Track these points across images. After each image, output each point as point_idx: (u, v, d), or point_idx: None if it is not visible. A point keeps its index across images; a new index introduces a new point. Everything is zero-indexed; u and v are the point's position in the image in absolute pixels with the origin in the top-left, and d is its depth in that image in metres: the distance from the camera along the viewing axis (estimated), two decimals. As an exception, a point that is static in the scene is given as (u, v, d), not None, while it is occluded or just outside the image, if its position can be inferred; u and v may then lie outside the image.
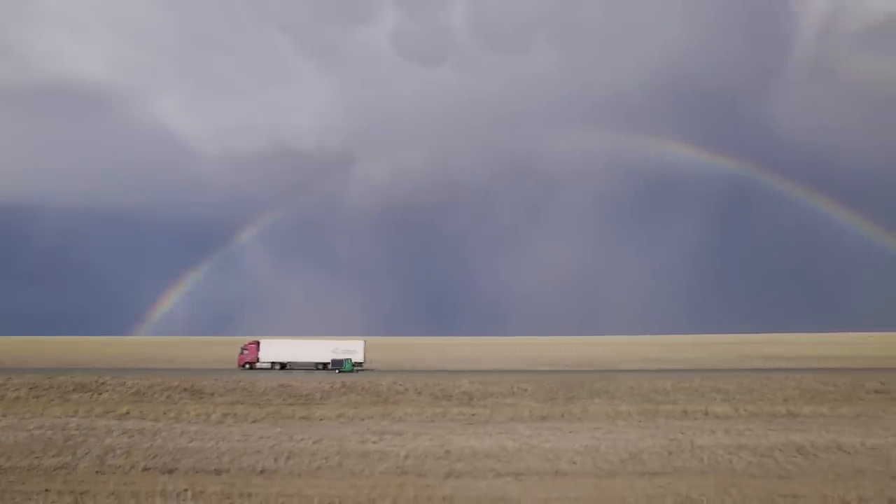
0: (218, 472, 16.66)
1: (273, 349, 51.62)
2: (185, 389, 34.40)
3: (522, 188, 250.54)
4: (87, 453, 18.92)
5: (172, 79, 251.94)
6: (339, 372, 47.91)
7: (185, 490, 14.76)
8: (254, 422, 24.98)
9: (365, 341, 52.68)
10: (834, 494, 14.10)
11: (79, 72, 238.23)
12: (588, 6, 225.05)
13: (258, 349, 51.48)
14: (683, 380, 36.90)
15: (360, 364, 50.98)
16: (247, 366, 51.06)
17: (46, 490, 14.91)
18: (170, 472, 16.76)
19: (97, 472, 16.97)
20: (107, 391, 33.81)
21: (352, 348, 51.68)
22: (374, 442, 19.95)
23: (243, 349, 52.24)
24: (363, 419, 25.72)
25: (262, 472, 16.62)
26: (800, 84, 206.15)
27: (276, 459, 17.76)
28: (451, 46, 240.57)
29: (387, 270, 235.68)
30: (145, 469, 17.07)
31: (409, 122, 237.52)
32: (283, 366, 50.91)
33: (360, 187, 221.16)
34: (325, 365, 50.41)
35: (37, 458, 18.31)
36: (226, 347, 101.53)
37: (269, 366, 50.84)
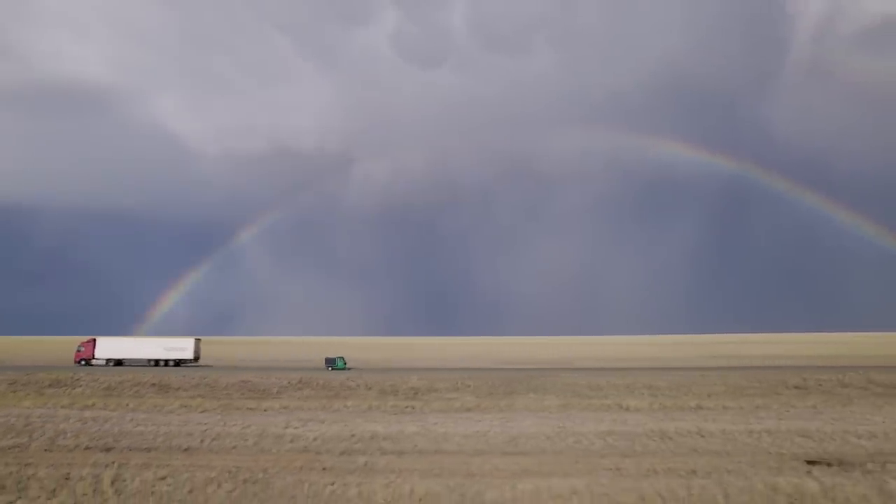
0: (148, 450, 19.22)
1: (108, 347, 55.31)
2: (153, 384, 37.02)
3: (521, 188, 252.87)
4: (41, 436, 21.50)
5: (172, 79, 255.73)
6: (332, 370, 51.20)
7: (113, 462, 17.31)
8: (203, 412, 27.56)
9: (198, 339, 57.14)
10: (663, 466, 16.51)
11: (79, 72, 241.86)
12: (586, 9, 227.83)
13: (94, 347, 55.05)
14: (624, 377, 39.32)
15: (193, 360, 55.78)
16: (82, 362, 54.70)
17: (-3, 463, 17.49)
18: (107, 450, 19.30)
19: (45, 450, 19.53)
20: (80, 386, 36.45)
21: (182, 346, 56.28)
22: (294, 427, 22.50)
23: (80, 347, 55.83)
24: (302, 410, 28.28)
25: (186, 449, 19.16)
26: (795, 86, 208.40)
27: (202, 441, 20.32)
28: (450, 48, 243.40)
29: (386, 270, 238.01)
30: (87, 448, 19.62)
31: (408, 122, 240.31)
32: (118, 362, 54.54)
33: (360, 188, 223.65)
34: (157, 361, 54.66)
35: (-4, 439, 20.94)
36: (226, 347, 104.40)
37: (104, 362, 54.46)
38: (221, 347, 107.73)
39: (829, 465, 16.16)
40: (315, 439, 20.24)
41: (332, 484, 14.44)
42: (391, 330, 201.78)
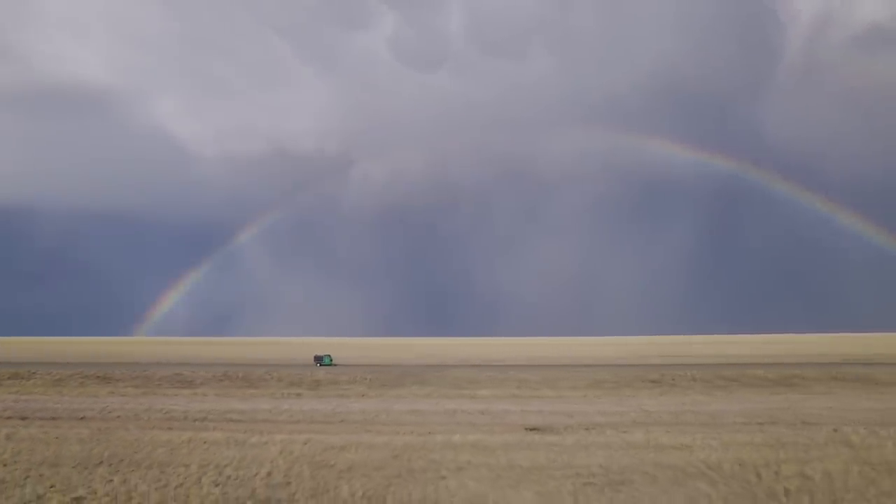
0: (53, 418, 24.94)
1: None
2: (98, 377, 42.85)
3: (519, 190, 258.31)
4: (-23, 411, 27.33)
5: (172, 82, 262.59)
6: (320, 366, 58.50)
7: (18, 423, 23.06)
8: (122, 395, 33.37)
9: None
10: (443, 430, 22.12)
11: (79, 74, 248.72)
12: (582, 13, 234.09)
13: None
14: (504, 372, 45.05)
15: None
16: None
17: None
18: (22, 418, 25.03)
19: (-25, 420, 25.33)
20: (34, 379, 42.29)
21: None
22: (180, 406, 28.30)
23: None
24: (207, 395, 34.04)
25: (82, 418, 24.89)
26: (788, 90, 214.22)
27: (98, 413, 26.08)
28: (448, 51, 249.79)
29: (385, 271, 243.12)
30: (8, 417, 25.34)
31: (407, 124, 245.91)
32: None
33: (359, 189, 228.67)
34: None
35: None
36: (225, 347, 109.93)
37: None
38: (221, 348, 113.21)
39: (541, 430, 21.80)
40: (186, 413, 26.01)
41: (165, 437, 20.16)
42: (391, 330, 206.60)
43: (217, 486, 13.74)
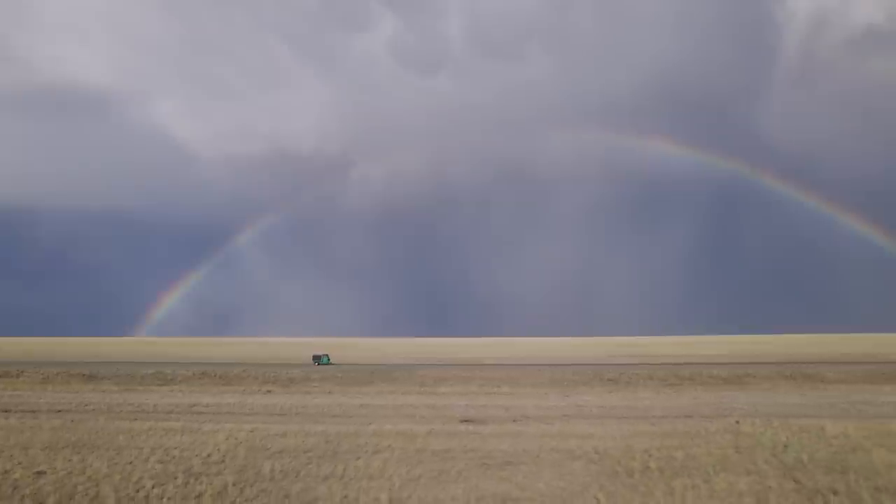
0: (33, 411, 27.14)
1: None
2: (83, 375, 45.05)
3: (518, 191, 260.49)
4: (-35, 404, 29.54)
5: (173, 84, 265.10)
6: (318, 365, 61.49)
7: (2, 414, 25.26)
8: (102, 392, 35.57)
9: None
10: (368, 424, 24.29)
11: (80, 76, 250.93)
12: (580, 15, 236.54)
13: None
14: (473, 371, 47.25)
15: None
16: None
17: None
18: (4, 411, 27.22)
19: (-38, 412, 27.52)
20: (23, 377, 44.50)
21: None
22: (151, 400, 30.49)
23: None
24: (183, 392, 36.25)
25: (59, 411, 27.09)
26: (785, 91, 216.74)
27: (75, 406, 28.28)
28: (447, 54, 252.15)
29: (384, 272, 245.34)
30: (-9, 411, 27.59)
31: (406, 126, 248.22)
32: None
33: (359, 190, 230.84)
34: None
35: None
36: (224, 348, 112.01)
37: None
38: (219, 348, 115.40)
39: (473, 422, 24.00)
40: (156, 406, 28.22)
41: (129, 426, 22.36)
42: (390, 331, 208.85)
43: (160, 463, 15.93)
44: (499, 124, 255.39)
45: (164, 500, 12.67)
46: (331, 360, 64.41)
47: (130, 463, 15.95)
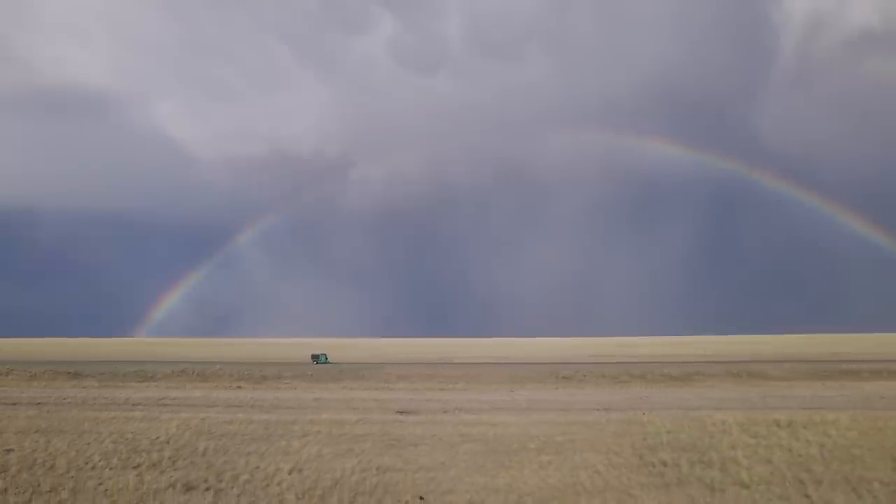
0: (14, 404, 29.79)
1: None
2: (69, 373, 47.72)
3: (517, 192, 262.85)
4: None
5: (173, 85, 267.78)
6: (317, 363, 64.59)
7: (-16, 408, 27.94)
8: (83, 388, 38.24)
9: None
10: (310, 412, 26.96)
11: (80, 77, 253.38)
12: (579, 17, 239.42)
13: None
14: (438, 369, 49.95)
15: None
16: None
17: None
18: (-12, 404, 29.95)
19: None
20: (12, 375, 47.16)
21: None
22: (125, 395, 33.17)
23: None
24: (159, 387, 38.92)
25: (38, 404, 29.76)
26: (781, 92, 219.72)
27: (53, 400, 30.96)
28: (446, 54, 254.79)
29: (384, 272, 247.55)
30: (-23, 403, 30.27)
31: (405, 127, 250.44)
32: None
33: (358, 191, 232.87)
34: None
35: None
36: (223, 348, 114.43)
37: None
38: (218, 349, 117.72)
39: (407, 412, 26.69)
40: (126, 399, 30.91)
41: (96, 415, 25.03)
42: (390, 331, 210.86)
43: (113, 443, 18.61)
44: (498, 125, 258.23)
45: (107, 469, 15.36)
46: (329, 360, 67.22)
47: (88, 443, 18.62)
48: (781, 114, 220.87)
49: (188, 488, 13.66)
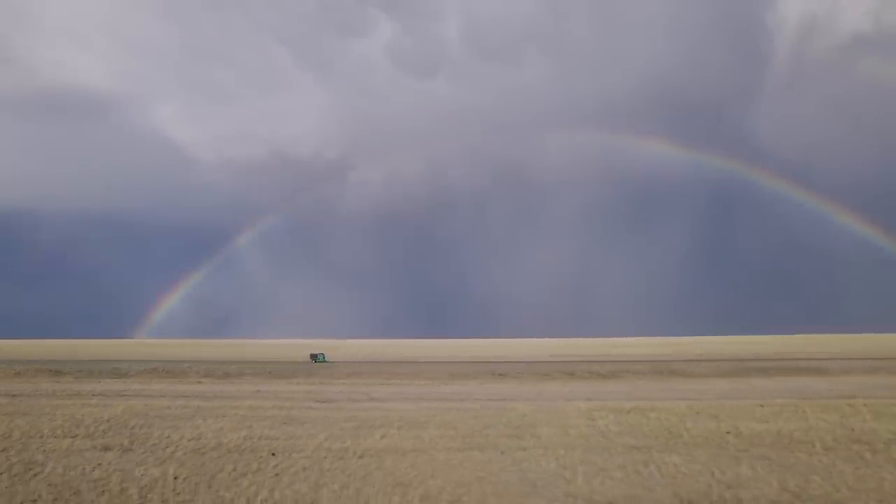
0: (-6, 395, 34.45)
1: None
2: (51, 371, 52.34)
3: (515, 194, 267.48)
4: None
5: (173, 88, 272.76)
6: (315, 362, 69.15)
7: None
8: (59, 383, 42.86)
9: None
10: (240, 400, 31.56)
11: (80, 80, 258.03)
12: (576, 20, 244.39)
13: None
14: (399, 367, 54.59)
15: None
16: None
17: None
18: (-28, 395, 34.55)
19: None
20: (-2, 371, 51.87)
21: None
22: (93, 388, 37.81)
23: None
24: (124, 381, 43.55)
25: (14, 395, 34.37)
26: (777, 94, 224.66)
27: (28, 393, 35.59)
28: (444, 58, 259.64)
29: (383, 274, 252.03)
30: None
31: (404, 130, 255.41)
32: None
33: (357, 193, 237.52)
34: None
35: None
36: (220, 349, 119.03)
37: None
38: (215, 349, 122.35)
39: (326, 401, 31.32)
40: (91, 391, 35.56)
41: (59, 402, 29.64)
42: (389, 332, 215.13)
43: (64, 421, 23.22)
44: (496, 127, 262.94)
45: (51, 438, 20.00)
46: (326, 359, 72.00)
47: (42, 422, 23.26)
48: (776, 116, 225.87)
49: (106, 449, 18.32)
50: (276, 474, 14.98)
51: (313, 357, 72.70)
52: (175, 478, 14.64)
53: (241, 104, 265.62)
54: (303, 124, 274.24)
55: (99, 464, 16.24)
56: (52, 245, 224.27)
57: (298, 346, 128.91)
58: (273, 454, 17.47)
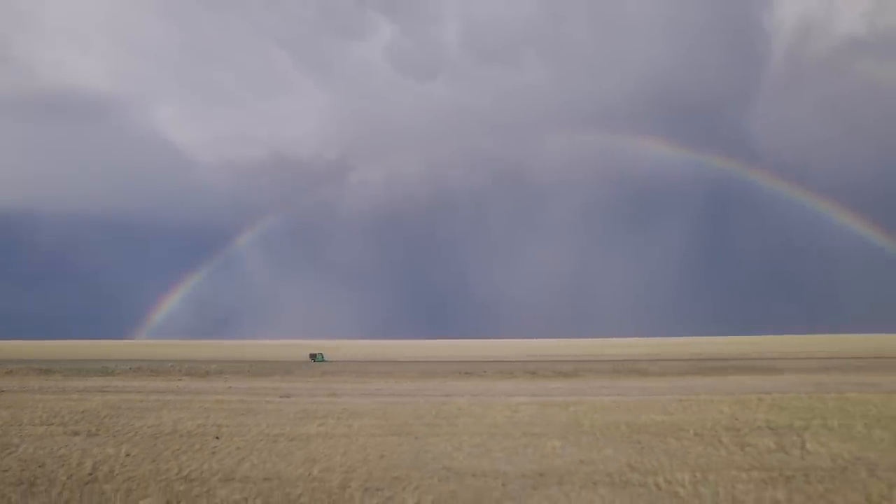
0: (-16, 391, 37.21)
1: None
2: (41, 370, 55.13)
3: (514, 195, 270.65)
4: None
5: (173, 90, 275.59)
6: (315, 361, 72.06)
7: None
8: (46, 380, 45.63)
9: None
10: (205, 396, 34.33)
11: (80, 81, 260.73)
12: (574, 23, 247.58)
13: None
14: (382, 365, 57.32)
15: None
16: None
17: None
18: (-36, 391, 37.30)
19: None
20: (-9, 369, 54.64)
21: None
22: (77, 385, 40.56)
23: None
24: (109, 379, 46.31)
25: (2, 391, 37.13)
26: (773, 96, 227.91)
27: (16, 389, 38.35)
28: (443, 60, 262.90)
29: (383, 275, 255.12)
30: (-45, 390, 37.65)
31: (403, 131, 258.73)
32: None
33: (357, 194, 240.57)
34: None
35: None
36: (220, 349, 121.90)
37: None
38: (214, 349, 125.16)
39: (288, 396, 34.07)
40: (75, 387, 38.33)
41: (41, 397, 32.38)
42: (389, 333, 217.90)
43: (43, 413, 25.99)
44: (495, 128, 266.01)
45: (28, 426, 22.77)
46: (325, 358, 75.03)
47: (24, 413, 26.04)
48: (773, 116, 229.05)
49: (75, 434, 21.10)
50: (213, 453, 17.74)
51: (312, 357, 75.70)
52: (126, 455, 17.42)
53: (242, 106, 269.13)
54: (303, 126, 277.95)
55: (66, 445, 19.02)
56: (52, 246, 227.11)
57: (298, 347, 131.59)
58: (217, 438, 20.25)
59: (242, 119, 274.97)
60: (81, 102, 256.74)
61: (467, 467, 15.83)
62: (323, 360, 73.72)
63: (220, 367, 56.99)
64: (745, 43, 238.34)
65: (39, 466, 16.20)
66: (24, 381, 43.93)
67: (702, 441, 19.33)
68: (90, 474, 15.24)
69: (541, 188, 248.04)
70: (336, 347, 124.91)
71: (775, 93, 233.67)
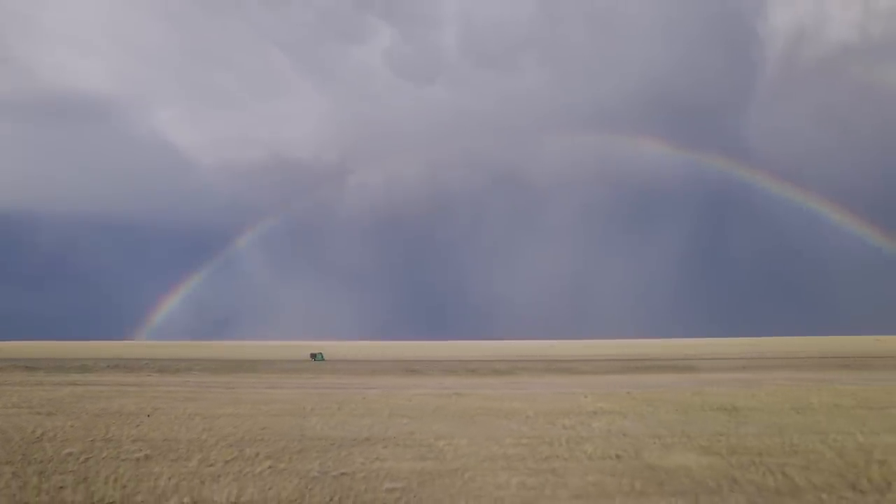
0: (-27, 383, 42.57)
1: None
2: (27, 367, 60.57)
3: (513, 198, 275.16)
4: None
5: (174, 92, 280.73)
6: (315, 361, 77.41)
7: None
8: (30, 375, 51.01)
9: None
10: (178, 390, 39.66)
11: (81, 84, 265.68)
12: (573, 28, 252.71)
13: None
14: (359, 364, 62.65)
15: None
16: None
17: None
18: (-45, 383, 42.67)
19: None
20: (-17, 366, 60.04)
21: None
22: (54, 379, 45.92)
23: None
24: (86, 375, 51.68)
25: (-11, 383, 42.50)
26: (769, 101, 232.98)
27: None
28: (442, 64, 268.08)
29: (382, 277, 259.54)
30: (-53, 383, 43.01)
31: (402, 135, 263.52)
32: None
33: (356, 197, 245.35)
34: None
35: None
36: (218, 349, 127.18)
37: None
38: (213, 349, 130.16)
39: (230, 388, 39.41)
40: (51, 381, 43.69)
41: (19, 389, 37.72)
42: (389, 334, 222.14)
43: (17, 399, 31.36)
44: (494, 131, 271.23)
45: (2, 409, 28.14)
46: (325, 358, 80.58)
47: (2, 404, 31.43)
48: (768, 120, 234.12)
49: (37, 413, 26.49)
50: (138, 425, 23.10)
51: (313, 356, 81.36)
52: (70, 426, 22.78)
53: (242, 108, 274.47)
54: (302, 129, 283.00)
55: (27, 420, 24.40)
56: (52, 247, 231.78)
57: (298, 348, 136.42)
58: (148, 416, 25.63)
59: (242, 121, 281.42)
60: (82, 104, 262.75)
61: (319, 434, 21.18)
62: (322, 360, 79.11)
63: (189, 365, 62.40)
64: (740, 49, 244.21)
65: (2, 433, 21.57)
66: (8, 377, 49.30)
67: (525, 422, 24.63)
68: (38, 438, 20.61)
69: (539, 190, 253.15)
70: (336, 348, 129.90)
71: (770, 97, 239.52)
